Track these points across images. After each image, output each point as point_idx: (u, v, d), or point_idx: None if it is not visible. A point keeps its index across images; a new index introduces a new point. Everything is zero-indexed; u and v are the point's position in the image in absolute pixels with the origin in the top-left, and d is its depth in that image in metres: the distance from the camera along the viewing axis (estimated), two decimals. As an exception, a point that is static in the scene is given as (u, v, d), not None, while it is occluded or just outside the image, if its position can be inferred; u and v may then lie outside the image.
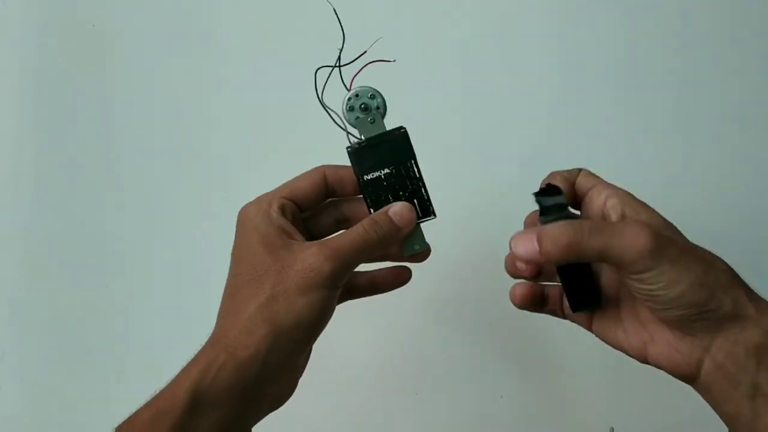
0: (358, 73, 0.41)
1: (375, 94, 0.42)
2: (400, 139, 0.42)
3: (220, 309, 0.40)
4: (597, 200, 0.39)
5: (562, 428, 0.63)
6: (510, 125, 0.66)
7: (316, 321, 0.38)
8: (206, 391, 0.36)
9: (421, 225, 0.43)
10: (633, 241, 0.35)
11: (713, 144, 0.65)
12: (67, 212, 0.70)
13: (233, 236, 0.67)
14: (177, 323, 0.67)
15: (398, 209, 0.41)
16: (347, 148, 0.42)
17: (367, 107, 0.42)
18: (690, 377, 0.37)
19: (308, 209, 0.43)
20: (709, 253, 0.37)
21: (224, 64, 0.70)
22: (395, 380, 0.64)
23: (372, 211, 0.42)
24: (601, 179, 0.40)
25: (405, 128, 0.42)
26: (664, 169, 0.65)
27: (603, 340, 0.41)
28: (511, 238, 0.37)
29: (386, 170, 0.42)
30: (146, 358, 0.67)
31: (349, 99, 0.42)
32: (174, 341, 0.67)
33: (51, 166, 0.71)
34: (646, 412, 0.62)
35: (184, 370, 0.37)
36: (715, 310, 0.35)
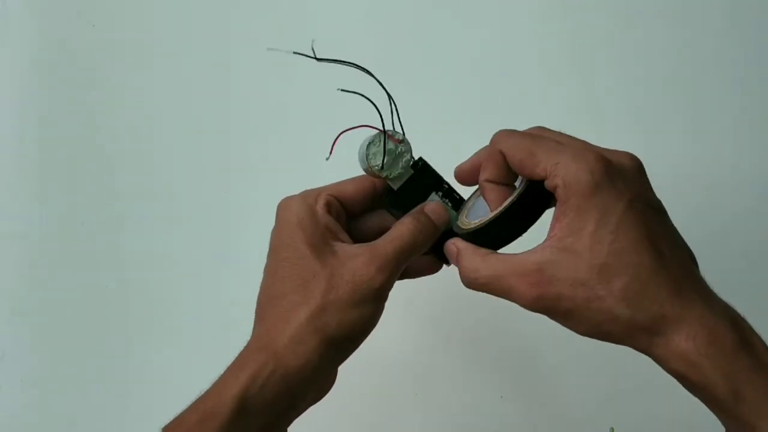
0: (336, 139, 0.38)
1: (373, 140, 0.39)
2: (423, 171, 0.41)
3: (263, 310, 0.39)
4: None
5: (562, 428, 0.63)
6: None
7: (366, 332, 0.38)
8: (253, 398, 0.35)
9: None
10: (515, 298, 0.36)
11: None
12: (68, 212, 0.70)
13: (233, 235, 0.68)
14: (177, 323, 0.67)
15: (434, 207, 0.41)
16: (385, 201, 0.41)
17: (392, 153, 0.40)
18: None
19: (353, 213, 0.42)
20: (619, 293, 0.33)
21: (226, 64, 0.71)
22: (395, 381, 0.64)
23: None
24: (535, 151, 0.36)
25: (423, 159, 0.41)
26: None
27: None
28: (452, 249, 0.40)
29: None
30: (146, 358, 0.67)
31: (366, 158, 0.39)
32: (174, 341, 0.67)
33: (52, 165, 0.71)
34: (646, 412, 0.62)
35: (232, 375, 0.36)
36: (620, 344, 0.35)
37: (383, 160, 0.39)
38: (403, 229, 0.39)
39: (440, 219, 0.41)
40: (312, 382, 0.37)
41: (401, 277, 0.43)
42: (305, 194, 0.40)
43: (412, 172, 0.41)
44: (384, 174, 0.40)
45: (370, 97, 0.37)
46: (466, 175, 0.41)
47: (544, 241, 0.35)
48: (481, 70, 0.68)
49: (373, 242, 0.39)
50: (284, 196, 0.41)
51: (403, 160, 0.40)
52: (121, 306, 0.68)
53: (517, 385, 0.64)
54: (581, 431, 0.62)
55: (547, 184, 0.35)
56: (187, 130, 0.70)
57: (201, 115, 0.70)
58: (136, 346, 0.68)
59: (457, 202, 0.42)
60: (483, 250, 0.38)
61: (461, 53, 0.68)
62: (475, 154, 0.41)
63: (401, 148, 0.40)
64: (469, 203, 0.42)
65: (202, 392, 0.37)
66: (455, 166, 0.41)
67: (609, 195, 0.34)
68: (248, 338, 0.39)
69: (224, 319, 0.65)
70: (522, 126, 0.40)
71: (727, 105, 0.65)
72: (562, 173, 0.34)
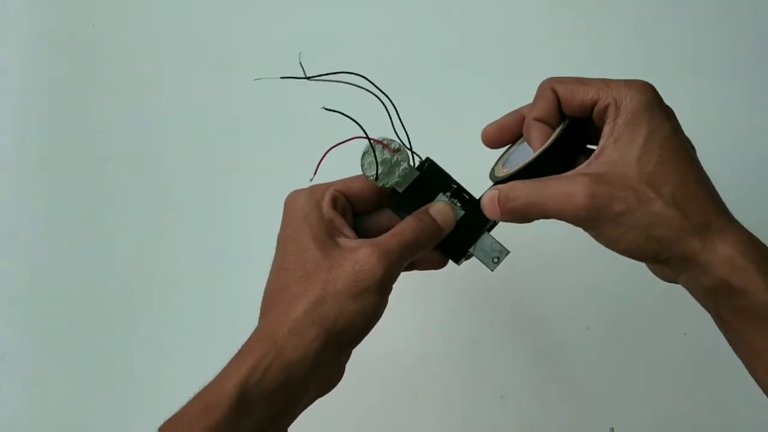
0: (325, 155, 0.39)
1: (367, 150, 0.39)
2: (430, 172, 0.41)
3: (268, 302, 0.39)
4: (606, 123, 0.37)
5: (562, 428, 0.63)
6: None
7: (367, 326, 0.38)
8: (254, 388, 0.36)
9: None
10: (565, 204, 0.35)
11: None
12: (68, 212, 0.70)
13: (233, 235, 0.67)
14: (178, 323, 0.67)
15: (440, 207, 0.41)
16: (390, 203, 0.41)
17: (387, 163, 0.40)
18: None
19: (360, 210, 0.42)
20: (672, 192, 0.35)
21: (227, 63, 0.71)
22: (395, 381, 0.64)
23: None
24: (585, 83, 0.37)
25: (430, 159, 0.41)
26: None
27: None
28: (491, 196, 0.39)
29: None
30: (146, 358, 0.67)
31: (363, 168, 0.39)
32: (175, 341, 0.67)
33: (51, 165, 0.71)
34: (646, 412, 0.62)
35: (234, 365, 0.37)
36: (666, 260, 0.36)
37: (377, 171, 0.39)
38: (405, 227, 0.39)
39: (445, 220, 0.40)
40: (312, 374, 0.37)
41: (407, 269, 0.43)
42: (312, 189, 0.40)
43: (417, 174, 0.41)
44: (380, 184, 0.40)
45: (370, 101, 0.37)
46: (495, 134, 0.42)
47: (591, 158, 0.37)
48: (484, 70, 0.68)
49: (376, 238, 0.39)
50: (292, 190, 0.41)
51: (400, 168, 0.40)
52: (121, 306, 0.68)
53: (517, 385, 0.64)
54: (581, 431, 0.62)
55: (598, 105, 0.37)
56: (188, 129, 0.70)
57: (202, 114, 0.70)
58: (136, 346, 0.68)
59: (467, 202, 0.42)
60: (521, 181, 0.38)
61: (461, 53, 0.68)
62: (504, 116, 0.42)
63: (397, 157, 0.40)
64: (503, 157, 0.43)
65: (205, 383, 0.37)
66: (483, 128, 0.42)
67: (658, 114, 0.36)
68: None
69: (226, 319, 0.65)
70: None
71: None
72: (614, 93, 0.36)
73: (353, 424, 0.64)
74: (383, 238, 0.39)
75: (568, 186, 0.36)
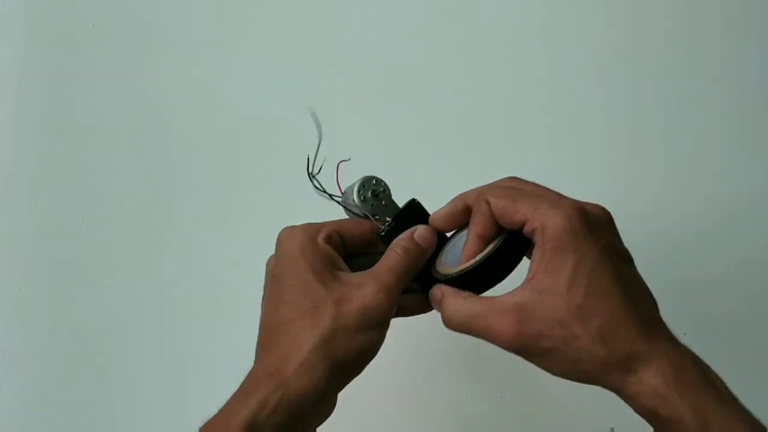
0: (337, 177, 0.43)
1: (375, 180, 0.44)
2: (416, 210, 0.44)
3: (270, 336, 0.39)
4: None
5: (562, 428, 0.63)
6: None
7: (371, 356, 0.40)
8: (262, 425, 0.36)
9: None
10: (494, 337, 0.37)
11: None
12: (68, 212, 0.70)
13: (231, 238, 0.67)
14: (176, 323, 0.67)
15: (421, 232, 0.42)
16: (380, 234, 0.43)
17: (375, 193, 0.44)
18: None
19: (351, 251, 0.43)
20: (593, 336, 0.35)
21: (226, 66, 0.71)
22: (395, 381, 0.65)
23: None
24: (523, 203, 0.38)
25: (416, 199, 0.44)
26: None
27: None
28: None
29: None
30: (145, 358, 0.67)
31: (360, 194, 0.43)
32: (173, 341, 0.67)
33: (51, 165, 0.71)
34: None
35: (239, 401, 0.37)
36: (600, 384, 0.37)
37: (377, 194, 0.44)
38: (397, 260, 0.41)
39: (427, 243, 0.42)
40: (317, 407, 0.38)
41: (395, 315, 0.44)
42: (305, 226, 0.41)
43: (398, 207, 0.44)
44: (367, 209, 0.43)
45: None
46: (442, 223, 0.43)
47: (523, 283, 0.37)
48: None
49: (371, 270, 0.40)
50: (285, 226, 0.42)
51: (389, 197, 0.44)
52: (121, 306, 0.68)
53: (517, 385, 0.64)
54: (581, 431, 0.63)
55: (526, 228, 0.37)
56: (188, 129, 0.70)
57: (202, 114, 0.70)
58: (136, 346, 0.68)
59: (442, 238, 0.44)
60: (464, 293, 0.40)
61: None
62: (450, 204, 0.43)
63: (383, 186, 0.44)
64: (450, 243, 0.44)
65: (208, 419, 0.37)
66: (431, 215, 0.43)
67: (584, 241, 0.36)
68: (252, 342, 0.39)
69: (227, 319, 0.65)
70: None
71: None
72: (541, 218, 0.36)
73: (353, 423, 0.64)
74: (382, 274, 0.40)
75: (497, 322, 0.37)
